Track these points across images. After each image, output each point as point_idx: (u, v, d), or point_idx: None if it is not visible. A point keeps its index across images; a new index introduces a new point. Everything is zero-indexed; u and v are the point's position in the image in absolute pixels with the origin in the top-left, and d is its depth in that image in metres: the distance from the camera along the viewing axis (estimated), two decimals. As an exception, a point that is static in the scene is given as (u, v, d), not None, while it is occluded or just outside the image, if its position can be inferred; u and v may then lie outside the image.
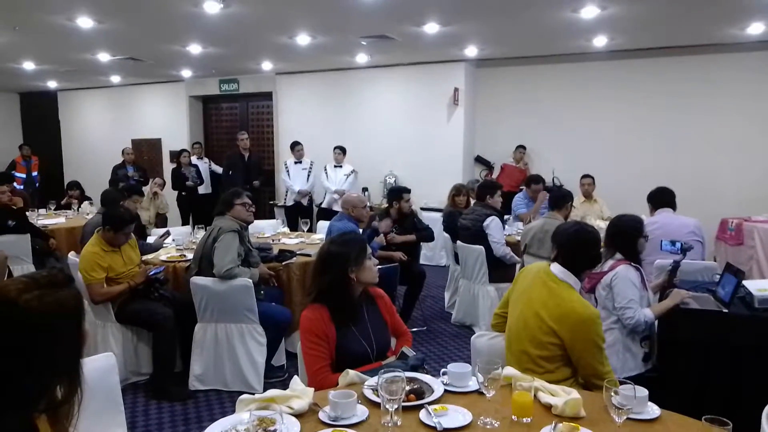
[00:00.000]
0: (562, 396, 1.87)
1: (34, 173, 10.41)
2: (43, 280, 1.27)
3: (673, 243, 3.42)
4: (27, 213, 6.24)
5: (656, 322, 2.96)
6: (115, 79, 10.23)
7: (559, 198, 4.78)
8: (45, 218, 6.84)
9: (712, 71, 7.19)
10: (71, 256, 4.31)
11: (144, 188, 7.89)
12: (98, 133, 11.56)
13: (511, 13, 5.60)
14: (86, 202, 7.57)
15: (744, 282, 3.00)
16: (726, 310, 2.89)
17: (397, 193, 5.25)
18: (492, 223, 4.93)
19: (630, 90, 7.66)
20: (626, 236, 3.07)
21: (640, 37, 6.74)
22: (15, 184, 9.92)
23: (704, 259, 4.24)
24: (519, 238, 5.02)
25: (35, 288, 1.24)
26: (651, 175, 6.54)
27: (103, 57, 7.85)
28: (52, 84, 11.02)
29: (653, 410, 1.84)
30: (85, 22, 5.78)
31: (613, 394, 1.67)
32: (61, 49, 7.32)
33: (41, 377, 1.23)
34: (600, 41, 6.85)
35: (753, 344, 1.89)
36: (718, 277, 3.29)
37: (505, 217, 5.23)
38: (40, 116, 12.15)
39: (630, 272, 2.95)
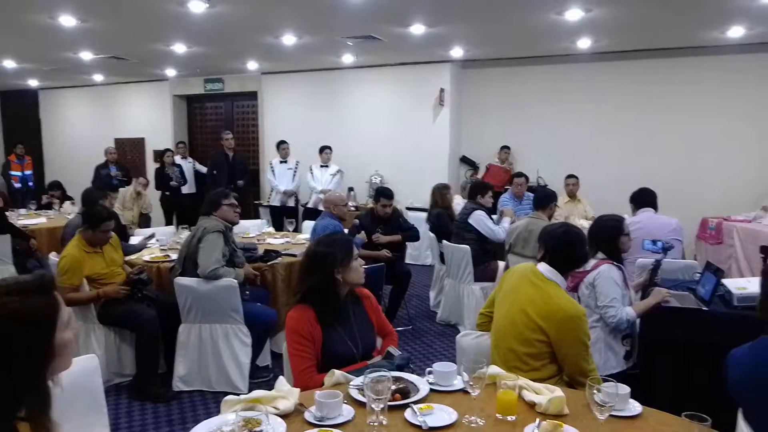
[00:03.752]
0: (546, 394, 1.89)
1: (28, 172, 10.33)
2: (15, 286, 1.24)
3: (654, 242, 3.48)
4: (7, 213, 6.15)
5: (638, 321, 3.01)
6: (98, 77, 10.12)
7: (543, 198, 4.85)
8: (25, 218, 6.74)
9: (693, 73, 7.31)
10: (52, 256, 4.25)
11: (128, 188, 7.82)
12: (80, 132, 11.42)
13: (497, 14, 5.64)
14: (68, 202, 7.48)
15: (723, 280, 3.06)
16: (706, 308, 2.94)
17: (378, 194, 5.28)
18: (474, 214, 5.03)
19: (614, 91, 7.75)
20: (607, 237, 3.11)
21: (623, 40, 6.82)
22: (12, 182, 9.91)
23: (684, 257, 4.30)
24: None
25: (4, 294, 1.20)
26: (634, 175, 6.63)
27: (86, 56, 7.76)
28: (33, 82, 10.87)
29: (635, 407, 1.87)
30: (67, 21, 5.71)
31: (595, 391, 1.68)
32: (43, 47, 7.22)
33: (6, 386, 1.19)
34: (584, 43, 6.92)
35: (732, 341, 1.93)
36: (699, 275, 3.35)
37: (493, 216, 5.30)
38: (21, 115, 11.98)
39: (612, 271, 2.99)
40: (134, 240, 5.35)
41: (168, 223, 8.51)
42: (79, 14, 5.55)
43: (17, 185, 10.19)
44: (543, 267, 2.48)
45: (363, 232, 4.95)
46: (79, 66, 8.67)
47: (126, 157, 10.59)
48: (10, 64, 8.48)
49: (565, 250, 2.50)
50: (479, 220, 5.02)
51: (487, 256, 5.10)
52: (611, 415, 1.73)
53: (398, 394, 1.90)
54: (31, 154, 10.84)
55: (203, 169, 9.08)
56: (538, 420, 1.73)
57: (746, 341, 1.86)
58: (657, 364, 2.97)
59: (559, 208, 5.94)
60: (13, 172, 10.17)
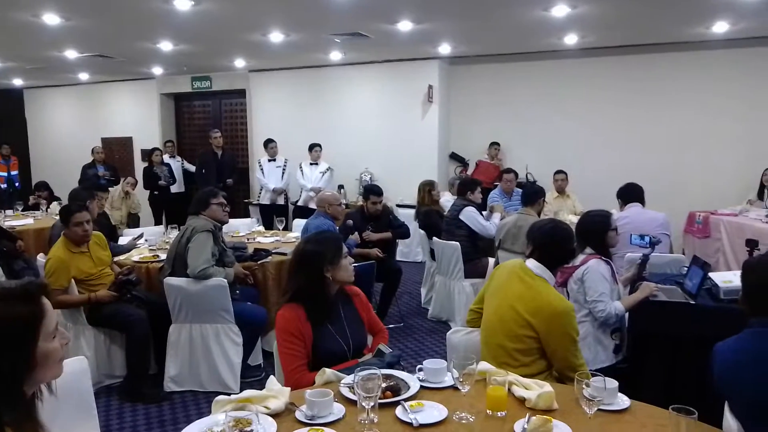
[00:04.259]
0: (536, 389, 1.91)
1: (14, 172, 10.21)
2: (0, 291, 1.22)
3: (642, 237, 3.50)
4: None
5: (626, 315, 3.03)
6: (84, 76, 10.02)
7: (531, 195, 4.91)
8: (12, 219, 6.67)
9: (679, 69, 7.37)
10: (40, 258, 4.22)
11: (116, 187, 7.76)
12: (67, 131, 11.31)
13: (484, 11, 5.65)
14: (55, 203, 7.40)
15: (710, 274, 3.09)
16: (693, 302, 2.97)
17: (367, 193, 5.27)
18: (464, 211, 5.04)
19: (601, 87, 7.80)
20: (594, 232, 3.13)
21: (610, 36, 6.86)
22: None
23: (672, 251, 4.35)
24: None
25: None
26: (622, 171, 6.68)
27: (71, 54, 7.68)
28: (17, 81, 10.74)
29: (623, 401, 1.89)
30: (51, 19, 5.64)
31: (584, 386, 1.70)
32: (27, 46, 7.13)
33: None
34: (571, 39, 6.96)
35: (719, 334, 1.96)
36: (686, 269, 3.38)
37: (483, 213, 5.32)
38: (6, 114, 11.82)
39: (601, 266, 3.01)
40: (123, 240, 5.31)
41: (157, 222, 8.46)
42: (62, 12, 5.49)
43: (3, 186, 10.08)
44: (532, 263, 2.50)
45: (357, 233, 4.93)
46: (64, 65, 8.58)
47: (114, 157, 10.49)
48: (-7, 63, 8.39)
49: (554, 246, 2.52)
50: (470, 216, 5.04)
51: (477, 252, 5.12)
52: (600, 410, 1.75)
53: (389, 391, 1.90)
54: (17, 155, 10.72)
55: (192, 168, 9.03)
56: (527, 415, 1.74)
57: (733, 334, 1.89)
58: (646, 358, 3.00)
59: (548, 204, 5.98)
60: (-2, 173, 10.08)
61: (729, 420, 1.78)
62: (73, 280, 3.67)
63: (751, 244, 3.72)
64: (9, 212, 7.18)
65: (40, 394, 1.30)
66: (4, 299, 1.21)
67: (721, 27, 6.28)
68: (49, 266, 3.62)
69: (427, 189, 5.86)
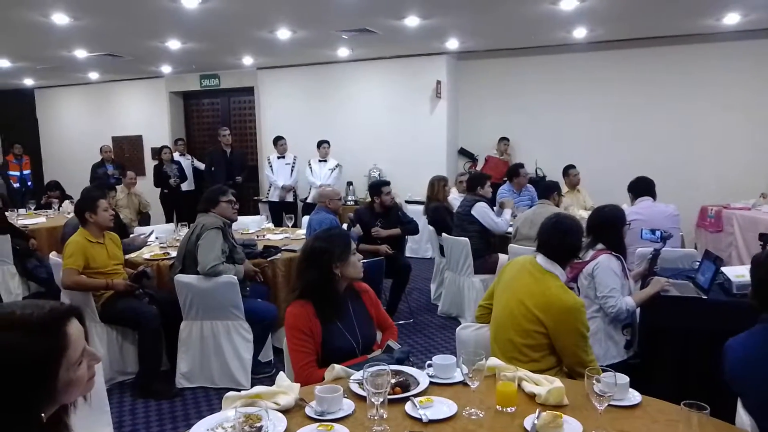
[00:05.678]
0: (546, 385, 1.90)
1: (26, 172, 10.30)
2: (19, 320, 1.10)
3: (653, 231, 3.47)
4: (6, 213, 6.15)
5: (638, 310, 3.01)
6: (93, 75, 10.08)
7: (545, 189, 5.01)
8: (25, 218, 6.74)
9: (690, 61, 7.29)
10: (52, 256, 4.26)
11: (120, 186, 7.78)
12: (77, 131, 11.39)
13: (491, 5, 5.62)
14: (66, 202, 7.47)
15: (722, 268, 3.06)
16: (705, 297, 2.94)
17: (377, 188, 5.27)
18: (477, 206, 5.02)
19: (610, 81, 7.74)
20: (611, 227, 3.10)
21: (619, 29, 6.80)
22: (11, 182, 9.86)
23: (684, 245, 4.31)
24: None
25: (5, 327, 1.08)
26: (632, 165, 6.62)
27: (81, 53, 7.73)
28: (28, 81, 10.83)
29: (634, 397, 1.87)
30: (60, 19, 5.69)
31: (594, 381, 1.69)
32: (37, 46, 7.19)
33: None
34: (580, 33, 6.90)
35: (731, 329, 1.93)
36: (698, 264, 3.35)
37: (493, 208, 5.30)
38: (18, 114, 11.93)
39: (611, 261, 2.99)
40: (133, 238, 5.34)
41: (168, 220, 8.50)
42: (71, 12, 5.53)
43: (16, 185, 10.18)
44: (541, 258, 2.48)
45: (358, 225, 4.96)
46: (74, 64, 8.64)
47: (124, 155, 10.57)
48: (4, 63, 8.44)
49: (557, 239, 2.49)
50: (482, 212, 5.00)
51: (488, 248, 5.08)
52: (610, 405, 1.74)
53: (398, 387, 1.91)
54: (29, 154, 10.82)
55: (202, 166, 9.07)
56: (537, 411, 1.73)
57: (746, 329, 1.86)
58: (657, 353, 2.98)
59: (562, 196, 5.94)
60: (11, 172, 10.17)
61: (742, 415, 1.77)
62: (83, 276, 3.71)
63: (764, 238, 3.68)
64: (22, 211, 7.25)
65: (74, 402, 1.25)
66: (23, 329, 1.10)
67: (732, 18, 6.20)
68: (69, 250, 3.69)
69: (442, 184, 5.83)
